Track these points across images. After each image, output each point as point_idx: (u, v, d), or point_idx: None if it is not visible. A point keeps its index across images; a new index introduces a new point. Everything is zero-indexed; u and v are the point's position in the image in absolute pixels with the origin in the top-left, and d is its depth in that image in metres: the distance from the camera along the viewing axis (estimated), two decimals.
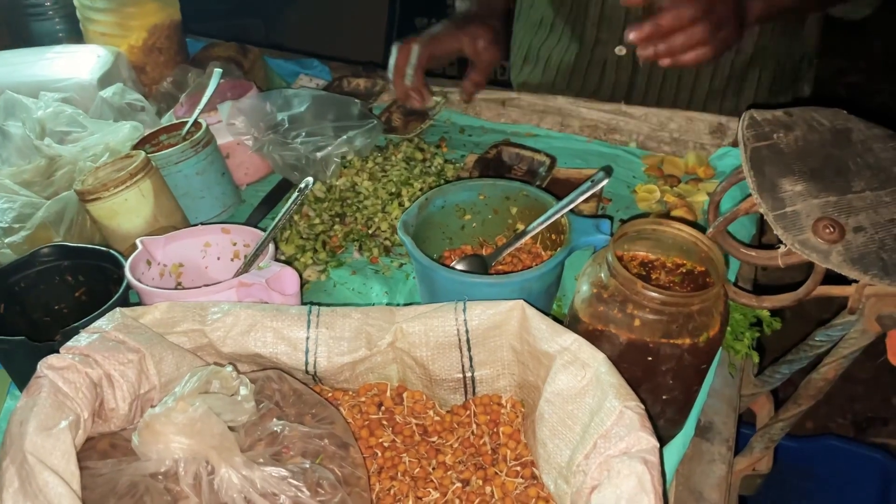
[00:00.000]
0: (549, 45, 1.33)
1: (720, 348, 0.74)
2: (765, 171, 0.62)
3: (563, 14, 1.29)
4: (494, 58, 1.17)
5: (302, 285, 0.80)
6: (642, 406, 0.54)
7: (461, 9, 1.26)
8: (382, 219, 0.98)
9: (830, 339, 0.75)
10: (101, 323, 0.60)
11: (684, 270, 0.67)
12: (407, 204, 0.99)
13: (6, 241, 0.86)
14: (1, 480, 0.47)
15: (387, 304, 0.89)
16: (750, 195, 0.64)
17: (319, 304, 0.68)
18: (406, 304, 0.88)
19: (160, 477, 0.53)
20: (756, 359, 0.79)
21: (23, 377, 0.74)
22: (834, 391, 0.78)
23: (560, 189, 0.95)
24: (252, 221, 1.02)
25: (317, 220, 0.99)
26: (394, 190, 1.02)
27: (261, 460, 0.55)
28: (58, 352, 0.57)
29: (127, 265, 0.75)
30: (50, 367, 0.53)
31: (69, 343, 0.57)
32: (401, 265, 0.95)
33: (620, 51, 1.25)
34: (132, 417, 0.58)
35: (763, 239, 1.05)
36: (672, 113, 1.16)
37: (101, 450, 0.56)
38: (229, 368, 0.59)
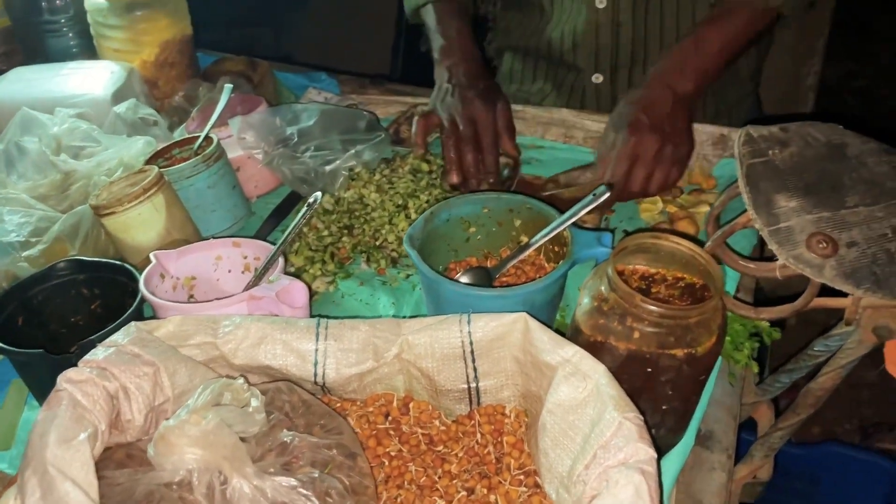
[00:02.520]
0: (527, 76, 1.36)
1: (719, 358, 0.75)
2: (760, 187, 0.63)
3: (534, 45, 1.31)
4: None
5: (311, 296, 0.82)
6: (641, 417, 0.56)
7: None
8: (389, 231, 1.00)
9: (829, 350, 0.76)
10: (117, 337, 0.62)
11: (683, 284, 0.68)
12: (413, 216, 1.01)
13: (23, 254, 0.88)
14: (24, 490, 0.49)
15: (394, 315, 0.91)
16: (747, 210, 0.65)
17: (328, 317, 0.70)
18: (413, 315, 0.90)
19: (175, 486, 0.55)
20: (755, 369, 0.81)
21: (41, 388, 0.77)
22: (841, 396, 0.79)
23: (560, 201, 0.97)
24: (262, 234, 1.04)
25: (325, 232, 1.01)
26: (400, 202, 1.03)
27: (271, 470, 0.57)
28: (75, 364, 0.59)
29: (141, 279, 0.78)
30: (69, 381, 0.55)
31: (87, 357, 0.59)
32: (407, 276, 0.96)
33: (598, 78, 1.28)
34: (147, 428, 0.60)
35: (765, 250, 1.07)
36: None
37: (118, 460, 0.58)
38: (240, 381, 0.61)
